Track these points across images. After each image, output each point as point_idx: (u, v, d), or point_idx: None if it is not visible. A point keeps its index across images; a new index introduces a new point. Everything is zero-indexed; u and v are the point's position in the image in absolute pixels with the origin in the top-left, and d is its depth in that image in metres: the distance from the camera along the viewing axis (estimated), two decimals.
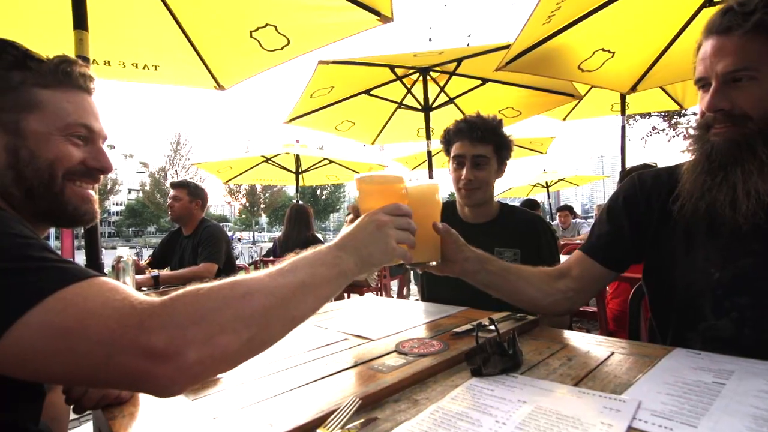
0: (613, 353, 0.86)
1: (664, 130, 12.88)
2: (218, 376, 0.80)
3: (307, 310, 0.61)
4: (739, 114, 0.83)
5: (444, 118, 4.00)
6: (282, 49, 2.41)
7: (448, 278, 1.57)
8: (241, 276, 0.58)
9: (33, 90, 0.68)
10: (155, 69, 2.57)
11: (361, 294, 4.35)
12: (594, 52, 2.43)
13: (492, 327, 0.89)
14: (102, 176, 0.78)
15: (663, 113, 11.91)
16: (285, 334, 0.59)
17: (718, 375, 0.71)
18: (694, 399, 0.63)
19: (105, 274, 0.59)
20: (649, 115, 12.17)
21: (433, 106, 3.75)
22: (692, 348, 0.87)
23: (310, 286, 0.61)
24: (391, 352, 0.90)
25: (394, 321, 1.18)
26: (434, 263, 1.05)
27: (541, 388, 0.69)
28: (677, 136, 12.48)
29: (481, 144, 1.45)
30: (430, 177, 4.13)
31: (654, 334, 1.11)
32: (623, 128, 4.11)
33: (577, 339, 0.98)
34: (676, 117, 12.07)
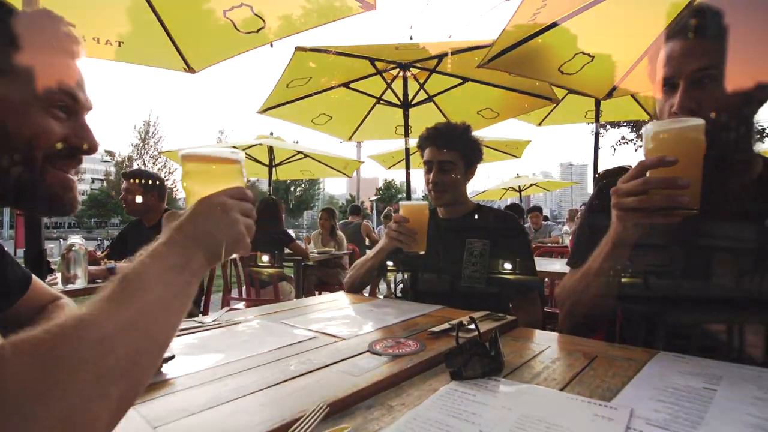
0: (596, 356, 0.82)
1: (632, 140, 13.37)
2: (166, 376, 0.70)
3: (171, 333, 0.49)
4: (701, 116, 0.84)
5: (423, 116, 3.95)
6: (257, 32, 2.28)
7: (431, 274, 1.54)
8: (75, 311, 0.42)
9: None
10: (119, 45, 2.38)
11: (332, 290, 4.26)
12: (575, 55, 2.42)
13: (472, 326, 0.84)
14: None
15: (632, 123, 12.35)
16: (153, 373, 0.47)
17: (707, 380, 0.68)
18: (687, 406, 0.59)
19: None
20: (619, 124, 12.61)
21: (413, 103, 3.69)
22: (658, 348, 0.86)
23: (168, 302, 0.48)
24: (364, 352, 0.83)
25: (367, 319, 1.11)
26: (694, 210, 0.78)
27: (526, 394, 0.64)
28: None
29: (447, 150, 1.55)
30: (407, 177, 4.04)
31: (625, 335, 1.11)
32: (596, 135, 4.19)
33: (557, 341, 0.94)
34: None
